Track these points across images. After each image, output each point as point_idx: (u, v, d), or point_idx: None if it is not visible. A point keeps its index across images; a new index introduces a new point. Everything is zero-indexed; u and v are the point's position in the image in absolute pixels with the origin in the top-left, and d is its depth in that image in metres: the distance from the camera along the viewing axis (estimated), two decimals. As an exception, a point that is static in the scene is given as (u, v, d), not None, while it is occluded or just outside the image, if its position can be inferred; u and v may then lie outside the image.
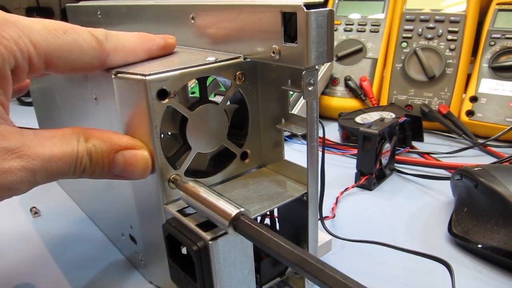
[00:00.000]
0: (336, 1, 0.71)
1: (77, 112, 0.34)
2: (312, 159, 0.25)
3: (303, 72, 0.23)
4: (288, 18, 0.22)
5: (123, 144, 0.24)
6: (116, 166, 0.24)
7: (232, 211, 0.20)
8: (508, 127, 0.52)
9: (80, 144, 0.23)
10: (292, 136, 0.57)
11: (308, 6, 0.21)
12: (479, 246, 0.32)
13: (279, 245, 0.18)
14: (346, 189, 0.43)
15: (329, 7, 0.22)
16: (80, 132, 0.23)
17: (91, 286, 0.31)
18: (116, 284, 0.31)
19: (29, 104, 0.78)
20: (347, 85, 0.66)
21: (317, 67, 0.23)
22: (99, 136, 0.24)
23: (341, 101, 0.66)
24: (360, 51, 0.67)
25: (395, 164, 0.47)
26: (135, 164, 0.24)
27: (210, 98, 0.28)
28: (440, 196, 0.42)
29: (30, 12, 0.99)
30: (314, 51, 0.22)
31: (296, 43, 0.22)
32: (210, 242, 0.22)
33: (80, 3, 0.47)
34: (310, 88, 0.23)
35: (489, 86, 0.57)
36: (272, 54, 0.24)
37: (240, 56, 0.26)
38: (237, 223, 0.20)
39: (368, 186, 0.44)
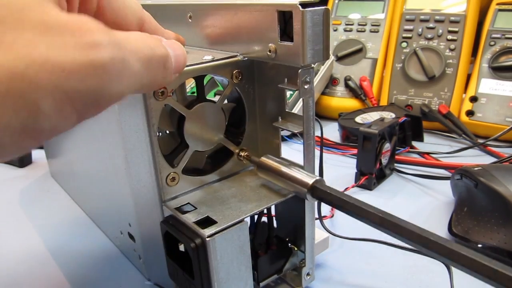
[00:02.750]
0: (336, 1, 0.71)
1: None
2: (308, 157, 0.25)
3: (299, 70, 0.23)
4: (288, 19, 0.23)
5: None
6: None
7: (309, 180, 0.23)
8: (508, 127, 0.52)
9: None
10: (292, 136, 0.57)
11: (304, 5, 0.21)
12: (479, 245, 0.32)
13: (355, 206, 0.21)
14: (346, 189, 0.43)
15: (325, 6, 0.22)
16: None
17: (90, 283, 0.31)
18: (115, 281, 0.31)
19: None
20: (347, 85, 0.66)
21: (313, 65, 0.23)
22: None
23: (341, 101, 0.66)
24: (360, 51, 0.67)
25: (395, 164, 0.47)
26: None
27: (210, 98, 0.28)
28: (440, 196, 0.42)
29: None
30: (309, 49, 0.22)
31: (292, 41, 0.22)
32: (207, 239, 0.22)
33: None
34: (306, 86, 0.24)
35: (489, 86, 0.57)
36: (269, 53, 0.24)
37: (237, 55, 0.27)
38: (314, 190, 0.23)
39: (368, 186, 0.44)
